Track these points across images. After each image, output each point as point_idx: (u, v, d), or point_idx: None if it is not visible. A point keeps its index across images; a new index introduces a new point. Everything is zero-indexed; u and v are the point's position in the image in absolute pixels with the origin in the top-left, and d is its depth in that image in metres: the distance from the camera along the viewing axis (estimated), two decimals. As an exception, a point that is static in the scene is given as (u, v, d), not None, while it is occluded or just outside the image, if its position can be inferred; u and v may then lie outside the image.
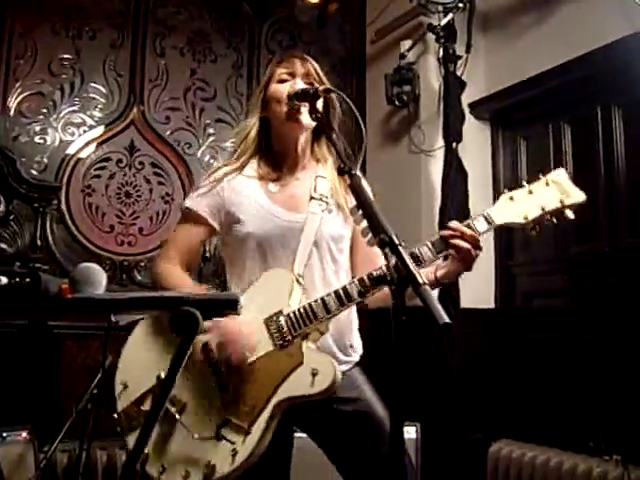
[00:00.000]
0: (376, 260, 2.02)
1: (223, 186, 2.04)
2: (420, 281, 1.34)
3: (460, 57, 4.01)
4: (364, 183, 1.63)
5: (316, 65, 2.11)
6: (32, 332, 3.55)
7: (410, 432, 3.31)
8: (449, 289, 3.62)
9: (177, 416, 1.82)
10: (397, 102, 4.24)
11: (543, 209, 1.82)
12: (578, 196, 1.84)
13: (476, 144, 4.19)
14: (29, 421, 3.13)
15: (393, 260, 1.40)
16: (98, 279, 1.22)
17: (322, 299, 1.83)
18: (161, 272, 2.05)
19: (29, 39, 3.94)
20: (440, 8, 4.00)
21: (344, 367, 1.97)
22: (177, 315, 1.11)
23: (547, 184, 1.85)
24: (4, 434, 2.98)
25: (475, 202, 3.93)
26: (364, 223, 1.53)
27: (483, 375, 3.85)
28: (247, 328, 1.84)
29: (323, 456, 2.00)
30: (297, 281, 1.91)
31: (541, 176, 1.87)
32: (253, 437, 1.76)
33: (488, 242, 3.77)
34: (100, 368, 2.82)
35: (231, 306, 1.18)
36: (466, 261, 1.83)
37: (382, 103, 4.35)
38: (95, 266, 1.25)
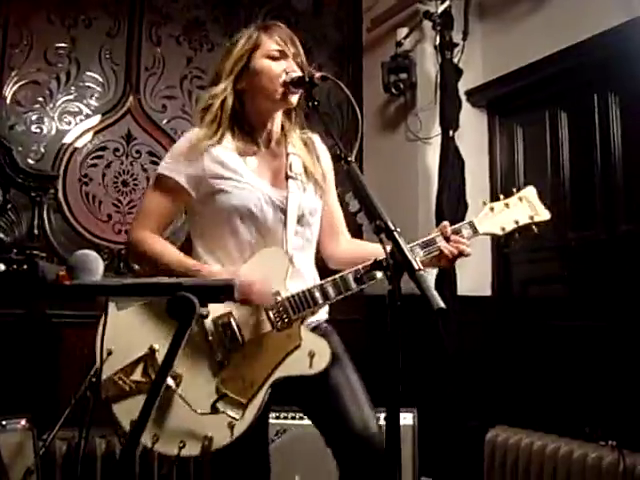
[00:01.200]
0: (339, 226, 2.21)
1: (203, 154, 2.00)
2: (416, 266, 1.35)
3: (457, 44, 4.01)
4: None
5: (298, 42, 2.08)
6: (31, 321, 3.57)
7: (407, 418, 3.33)
8: (446, 277, 3.64)
9: (174, 387, 1.84)
10: (394, 90, 4.23)
11: (517, 223, 2.08)
12: (545, 214, 2.13)
13: (473, 132, 4.19)
14: (28, 409, 3.14)
15: (389, 246, 1.42)
16: (95, 266, 1.23)
17: (321, 287, 1.91)
18: (139, 240, 2.01)
19: (24, 28, 3.92)
20: (437, -5, 3.99)
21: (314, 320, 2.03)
22: (174, 300, 1.12)
23: (520, 199, 2.12)
24: (3, 422, 2.98)
25: (472, 189, 3.94)
26: (360, 209, 1.55)
27: (480, 362, 3.86)
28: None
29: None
30: (291, 262, 1.96)
31: (514, 191, 2.14)
32: (251, 411, 1.84)
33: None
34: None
35: (228, 292, 1.19)
36: (451, 262, 1.99)
37: (379, 91, 4.34)
38: (92, 253, 1.25)
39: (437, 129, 4.03)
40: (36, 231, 3.80)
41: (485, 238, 2.14)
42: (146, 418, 1.20)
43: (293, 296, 1.90)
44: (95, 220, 4.01)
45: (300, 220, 2.02)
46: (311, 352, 1.86)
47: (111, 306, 1.85)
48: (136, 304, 1.95)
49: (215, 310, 1.88)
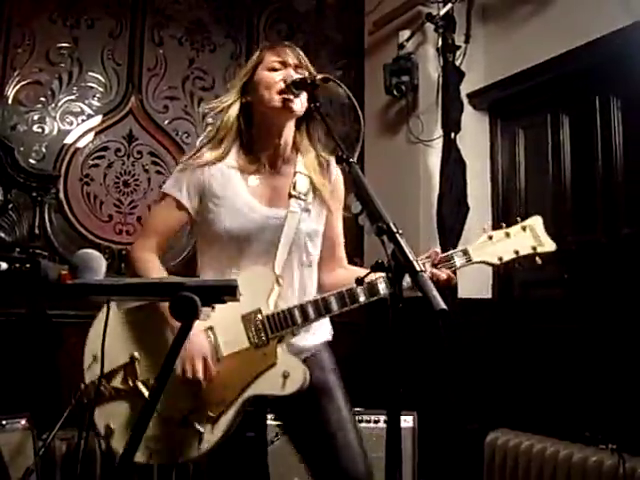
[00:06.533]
0: (338, 252, 2.17)
1: (204, 172, 2.02)
2: (417, 268, 1.35)
3: (459, 47, 4.01)
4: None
5: (305, 58, 2.09)
6: (31, 320, 3.57)
7: (407, 421, 3.33)
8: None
9: (148, 398, 1.87)
10: (396, 92, 4.23)
11: (517, 253, 2.04)
12: (550, 245, 2.07)
13: (474, 134, 4.19)
14: (28, 409, 3.14)
15: (390, 248, 1.41)
16: (97, 265, 1.23)
17: (302, 307, 1.91)
18: (138, 259, 2.05)
19: (27, 28, 3.92)
20: (439, -2, 4.00)
21: (309, 344, 2.04)
22: (177, 300, 1.12)
23: (524, 229, 2.05)
24: (3, 422, 2.99)
25: (473, 192, 3.94)
26: (362, 211, 1.54)
27: (480, 365, 3.86)
28: (196, 338, 1.88)
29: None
30: (277, 281, 1.96)
31: (519, 219, 2.07)
32: (220, 427, 1.86)
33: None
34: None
35: (230, 292, 1.19)
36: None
37: (380, 93, 4.34)
38: (95, 252, 1.26)
39: (439, 131, 4.03)
40: (37, 231, 3.80)
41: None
42: (146, 422, 1.19)
43: (273, 315, 1.91)
44: (96, 220, 4.01)
45: (296, 241, 2.01)
46: (285, 373, 1.87)
47: (112, 306, 1.87)
48: (119, 310, 1.97)
49: (197, 325, 1.89)
